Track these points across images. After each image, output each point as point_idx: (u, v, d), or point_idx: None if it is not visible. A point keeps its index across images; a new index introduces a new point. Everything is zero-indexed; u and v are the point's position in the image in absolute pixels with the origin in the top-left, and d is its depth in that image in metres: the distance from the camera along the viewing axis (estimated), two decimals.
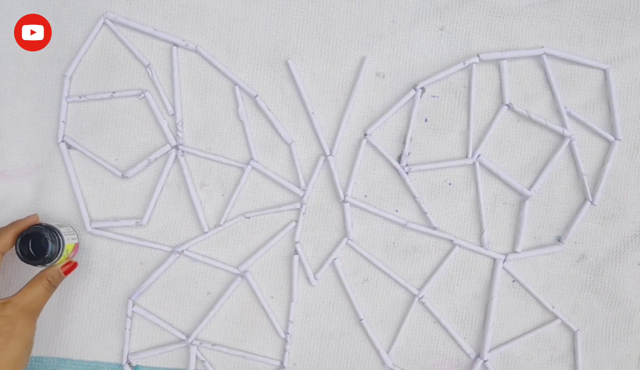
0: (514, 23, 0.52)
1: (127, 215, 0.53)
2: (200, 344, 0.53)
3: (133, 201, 0.53)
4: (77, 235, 0.52)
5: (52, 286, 0.50)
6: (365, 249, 0.53)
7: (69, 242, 0.50)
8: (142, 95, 0.53)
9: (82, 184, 0.53)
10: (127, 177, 0.53)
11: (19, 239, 0.48)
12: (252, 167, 0.53)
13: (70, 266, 0.51)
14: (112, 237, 0.53)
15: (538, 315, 0.53)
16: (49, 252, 0.48)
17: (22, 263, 0.51)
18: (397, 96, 0.52)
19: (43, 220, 0.53)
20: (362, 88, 0.52)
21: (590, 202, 0.52)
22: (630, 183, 0.52)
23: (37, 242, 0.48)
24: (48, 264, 0.49)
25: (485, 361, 0.53)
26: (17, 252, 0.48)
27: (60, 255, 0.49)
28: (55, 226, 0.50)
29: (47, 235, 0.48)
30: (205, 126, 0.53)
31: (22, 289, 0.49)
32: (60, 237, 0.49)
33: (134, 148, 0.53)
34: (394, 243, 0.53)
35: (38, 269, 0.52)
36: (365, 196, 0.53)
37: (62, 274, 0.51)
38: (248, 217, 0.53)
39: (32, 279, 0.49)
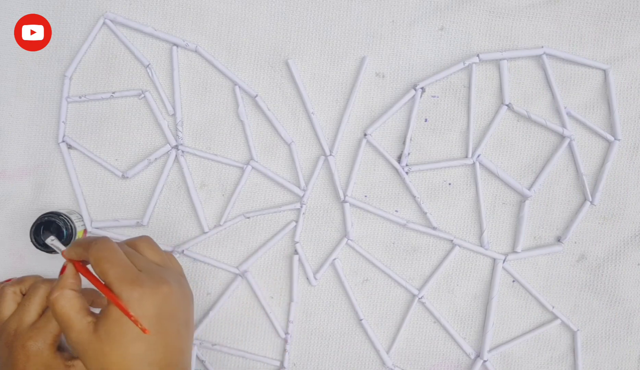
0: (514, 23, 0.52)
1: (128, 216, 0.53)
2: (200, 343, 0.53)
3: (133, 201, 0.53)
4: (84, 222, 0.53)
5: None
6: (365, 249, 0.53)
7: (79, 228, 0.51)
8: (142, 95, 0.53)
9: (82, 184, 0.53)
10: (127, 177, 0.53)
11: (34, 228, 0.50)
12: (252, 167, 0.53)
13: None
14: (113, 237, 0.53)
15: (538, 315, 0.53)
16: (63, 239, 0.50)
17: None
18: (397, 96, 0.52)
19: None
20: (362, 88, 0.52)
21: (590, 202, 0.52)
22: (630, 183, 0.52)
23: (51, 230, 0.50)
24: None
25: (485, 361, 0.53)
26: (32, 242, 0.50)
27: (73, 241, 0.50)
28: (65, 213, 0.50)
29: (60, 223, 0.50)
30: (205, 126, 0.53)
31: None
32: (72, 223, 0.50)
33: (134, 148, 0.53)
34: (394, 243, 0.53)
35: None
36: (365, 196, 0.53)
37: None
38: (248, 217, 0.53)
39: None
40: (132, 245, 0.44)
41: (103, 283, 0.40)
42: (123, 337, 0.38)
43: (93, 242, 0.41)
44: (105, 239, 0.41)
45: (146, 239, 0.44)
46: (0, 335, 0.48)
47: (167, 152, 0.53)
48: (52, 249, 0.50)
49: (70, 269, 0.42)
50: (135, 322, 0.38)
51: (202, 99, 0.53)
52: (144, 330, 0.38)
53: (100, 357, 0.39)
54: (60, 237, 0.50)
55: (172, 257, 0.46)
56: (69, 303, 0.40)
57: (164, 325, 0.40)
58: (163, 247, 0.53)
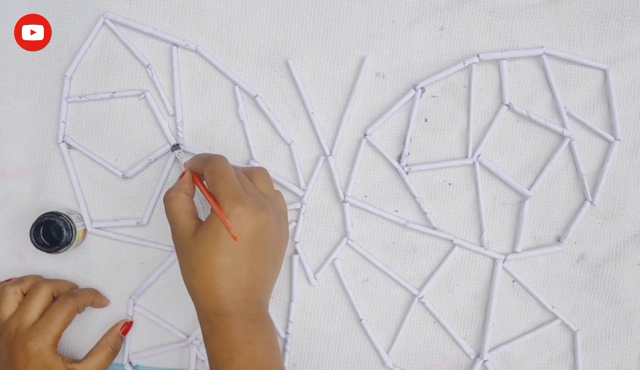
0: (514, 23, 0.52)
1: (128, 215, 0.53)
2: (200, 343, 0.53)
3: (133, 201, 0.53)
4: (84, 222, 0.53)
5: (115, 351, 0.52)
6: (365, 249, 0.53)
7: (79, 228, 0.51)
8: (142, 95, 0.53)
9: (82, 184, 0.53)
10: (127, 177, 0.53)
11: (34, 228, 0.50)
12: None
13: (127, 326, 0.53)
14: (113, 237, 0.53)
15: (538, 315, 0.53)
16: (63, 239, 0.50)
17: None
18: (397, 96, 0.52)
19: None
20: (362, 88, 0.52)
21: (590, 202, 0.52)
22: (630, 183, 0.52)
23: (51, 230, 0.50)
24: (62, 251, 0.50)
25: (485, 361, 0.53)
26: (32, 242, 0.50)
27: (73, 241, 0.50)
28: (65, 213, 0.50)
29: (60, 223, 0.50)
30: (205, 126, 0.53)
31: (86, 356, 0.51)
32: (72, 223, 0.50)
33: (134, 148, 0.53)
34: (394, 243, 0.53)
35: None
36: (365, 196, 0.53)
37: (122, 336, 0.53)
38: None
39: (94, 347, 0.51)
40: (247, 172, 0.47)
41: (211, 194, 0.43)
42: (215, 246, 0.42)
43: (211, 157, 0.44)
44: (221, 157, 0.45)
45: (262, 171, 0.47)
46: (1, 335, 0.48)
47: (167, 152, 0.53)
48: (52, 248, 0.50)
49: (188, 175, 0.46)
50: (229, 228, 0.41)
51: (202, 99, 0.53)
52: (234, 237, 0.42)
53: (192, 256, 0.42)
54: (60, 237, 0.50)
55: (281, 196, 0.49)
56: (181, 203, 0.44)
57: (254, 249, 0.43)
58: (163, 248, 0.53)
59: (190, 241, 0.43)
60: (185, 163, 0.47)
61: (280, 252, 0.47)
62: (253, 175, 0.47)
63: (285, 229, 0.48)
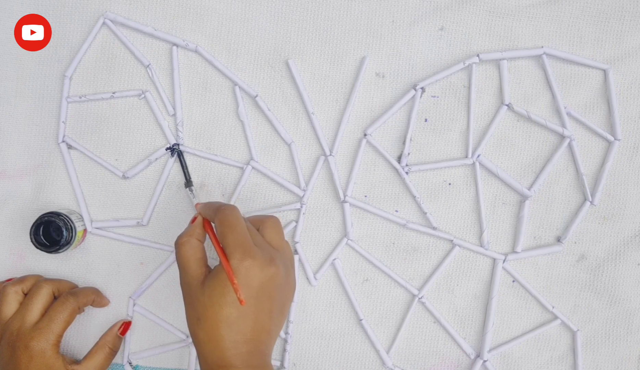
0: (514, 23, 0.52)
1: (128, 215, 0.53)
2: None
3: (133, 201, 0.53)
4: (84, 222, 0.53)
5: (114, 351, 0.52)
6: (365, 249, 0.53)
7: (79, 228, 0.51)
8: (142, 95, 0.53)
9: (82, 184, 0.53)
10: (127, 177, 0.53)
11: (34, 228, 0.50)
12: (252, 167, 0.53)
13: (126, 326, 0.53)
14: (113, 237, 0.53)
15: (538, 315, 0.53)
16: (63, 239, 0.50)
17: None
18: (397, 96, 0.52)
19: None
20: (362, 88, 0.52)
21: (590, 202, 0.52)
22: (630, 183, 0.52)
23: (51, 230, 0.50)
24: (62, 251, 0.50)
25: (485, 361, 0.53)
26: (32, 242, 0.50)
27: (73, 241, 0.50)
28: (65, 213, 0.50)
29: (60, 223, 0.50)
30: (205, 126, 0.53)
31: (85, 357, 0.51)
32: (72, 223, 0.50)
33: (134, 148, 0.53)
34: (394, 243, 0.53)
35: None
36: (365, 196, 0.53)
37: (120, 336, 0.53)
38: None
39: (93, 348, 0.51)
40: (258, 221, 0.46)
41: (220, 245, 0.42)
42: (222, 298, 0.41)
43: (222, 207, 0.44)
44: (233, 207, 0.44)
45: (272, 220, 0.47)
46: (3, 335, 0.48)
47: (167, 153, 0.53)
48: (52, 248, 0.50)
49: (199, 221, 0.45)
50: (236, 290, 0.41)
51: (202, 99, 0.53)
52: (240, 301, 0.41)
53: (198, 306, 0.42)
54: (60, 237, 0.50)
55: (289, 247, 0.48)
56: (192, 250, 0.44)
57: (261, 302, 0.42)
58: (163, 248, 0.53)
59: (198, 290, 0.42)
60: (196, 204, 0.47)
61: (287, 302, 0.46)
62: (263, 224, 0.46)
63: (293, 280, 0.47)
